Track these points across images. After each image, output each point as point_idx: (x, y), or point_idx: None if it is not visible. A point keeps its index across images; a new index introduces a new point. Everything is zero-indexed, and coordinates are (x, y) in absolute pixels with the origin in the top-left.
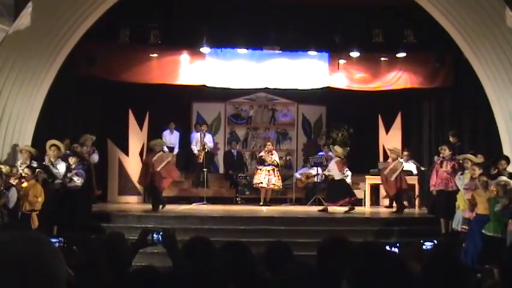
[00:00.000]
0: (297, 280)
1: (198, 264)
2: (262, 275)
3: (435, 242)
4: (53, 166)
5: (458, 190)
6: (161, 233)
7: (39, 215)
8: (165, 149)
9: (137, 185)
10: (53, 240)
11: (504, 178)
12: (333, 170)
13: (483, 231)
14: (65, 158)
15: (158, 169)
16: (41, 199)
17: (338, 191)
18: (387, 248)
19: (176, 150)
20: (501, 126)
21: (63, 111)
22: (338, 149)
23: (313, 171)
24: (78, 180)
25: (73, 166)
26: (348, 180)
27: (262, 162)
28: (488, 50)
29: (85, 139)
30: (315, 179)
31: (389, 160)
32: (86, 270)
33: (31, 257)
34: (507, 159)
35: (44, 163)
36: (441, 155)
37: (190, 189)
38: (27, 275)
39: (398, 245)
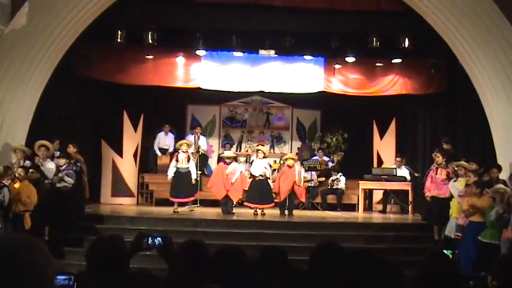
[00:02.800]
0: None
1: (193, 268)
2: (257, 279)
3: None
4: (43, 166)
5: (451, 197)
6: (158, 238)
7: (31, 216)
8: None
9: (131, 187)
10: (62, 277)
11: (502, 186)
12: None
13: (479, 237)
14: (54, 158)
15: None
16: (34, 199)
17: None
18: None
19: (171, 151)
20: (495, 133)
21: (58, 111)
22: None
23: (308, 175)
24: (68, 181)
25: (63, 167)
26: (342, 185)
27: None
28: (483, 57)
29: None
30: (309, 184)
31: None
32: None
33: (21, 260)
34: (499, 167)
35: (35, 163)
36: (435, 161)
37: None
38: (18, 277)
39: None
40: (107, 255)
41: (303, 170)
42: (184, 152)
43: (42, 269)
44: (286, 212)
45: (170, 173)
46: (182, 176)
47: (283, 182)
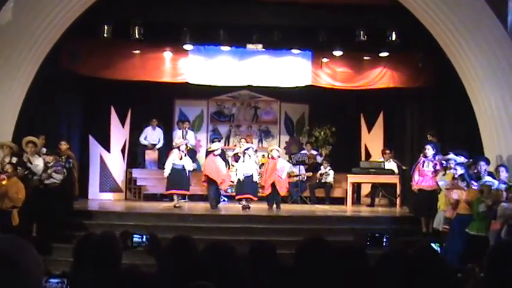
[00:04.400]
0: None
1: (181, 264)
2: (245, 275)
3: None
4: (31, 162)
5: (439, 190)
6: (145, 236)
7: (19, 212)
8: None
9: (119, 182)
10: (55, 280)
11: (489, 178)
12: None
13: (466, 230)
14: (41, 154)
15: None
16: (22, 196)
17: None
18: (378, 235)
19: (159, 146)
20: (482, 126)
21: (44, 107)
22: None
23: (296, 170)
24: (57, 178)
25: (51, 163)
26: (330, 179)
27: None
28: (470, 50)
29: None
30: (298, 178)
31: None
32: None
33: (9, 261)
34: (487, 160)
35: (23, 159)
36: (422, 154)
37: None
38: (5, 278)
39: (387, 236)
40: (101, 252)
41: (288, 163)
42: (182, 151)
43: (30, 271)
44: (274, 205)
45: (168, 169)
46: (178, 171)
47: (268, 174)
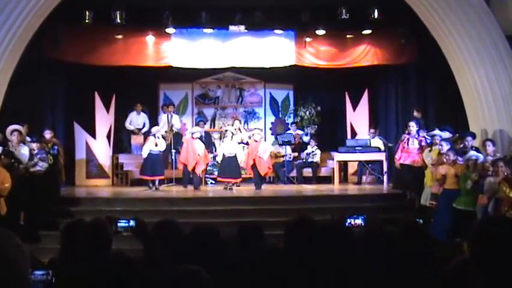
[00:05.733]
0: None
1: (167, 247)
2: (233, 257)
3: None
4: (16, 151)
5: (425, 166)
6: (131, 222)
7: (6, 201)
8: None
9: (105, 168)
10: (40, 272)
11: (474, 153)
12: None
13: (454, 205)
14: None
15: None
16: (8, 184)
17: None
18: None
19: (145, 130)
20: (467, 101)
21: (28, 94)
22: None
23: (282, 150)
24: (43, 166)
25: (36, 151)
26: (317, 158)
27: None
28: (453, 26)
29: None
30: (284, 158)
31: None
32: None
33: None
34: (473, 134)
35: (7, 148)
36: (407, 131)
37: None
38: None
39: (363, 217)
40: (92, 239)
41: (270, 145)
42: (158, 137)
43: (16, 263)
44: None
45: (145, 152)
46: (154, 156)
47: (250, 156)
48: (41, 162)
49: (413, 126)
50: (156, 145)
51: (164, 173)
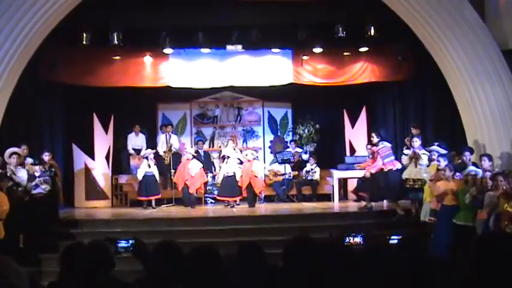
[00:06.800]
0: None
1: (167, 269)
2: (233, 278)
3: (402, 236)
4: (15, 174)
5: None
6: (130, 242)
7: (5, 224)
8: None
9: (105, 189)
10: None
11: (473, 168)
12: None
13: (454, 220)
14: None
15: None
16: (6, 207)
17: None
18: (351, 239)
19: (143, 152)
20: (464, 116)
21: (26, 117)
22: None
23: (282, 168)
24: (46, 188)
25: (39, 174)
26: (317, 176)
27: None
28: (448, 41)
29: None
30: (283, 177)
31: None
32: None
33: None
34: (471, 149)
35: (5, 171)
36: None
37: None
38: None
39: (362, 235)
40: (93, 260)
41: (263, 164)
42: (151, 159)
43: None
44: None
45: (140, 174)
46: (149, 177)
47: (244, 176)
48: (44, 185)
49: (416, 141)
50: (149, 166)
51: (160, 192)
